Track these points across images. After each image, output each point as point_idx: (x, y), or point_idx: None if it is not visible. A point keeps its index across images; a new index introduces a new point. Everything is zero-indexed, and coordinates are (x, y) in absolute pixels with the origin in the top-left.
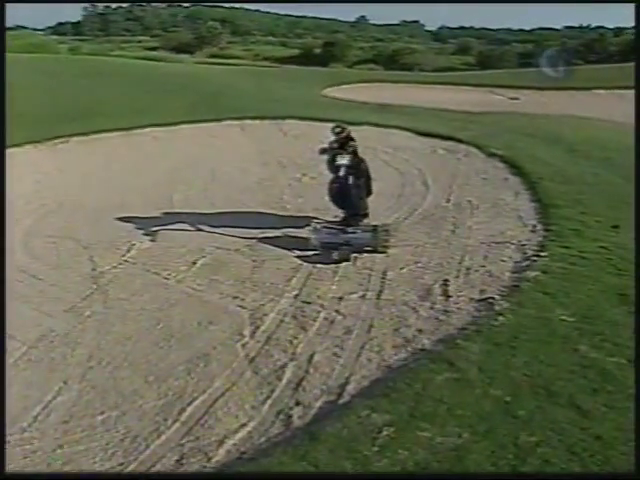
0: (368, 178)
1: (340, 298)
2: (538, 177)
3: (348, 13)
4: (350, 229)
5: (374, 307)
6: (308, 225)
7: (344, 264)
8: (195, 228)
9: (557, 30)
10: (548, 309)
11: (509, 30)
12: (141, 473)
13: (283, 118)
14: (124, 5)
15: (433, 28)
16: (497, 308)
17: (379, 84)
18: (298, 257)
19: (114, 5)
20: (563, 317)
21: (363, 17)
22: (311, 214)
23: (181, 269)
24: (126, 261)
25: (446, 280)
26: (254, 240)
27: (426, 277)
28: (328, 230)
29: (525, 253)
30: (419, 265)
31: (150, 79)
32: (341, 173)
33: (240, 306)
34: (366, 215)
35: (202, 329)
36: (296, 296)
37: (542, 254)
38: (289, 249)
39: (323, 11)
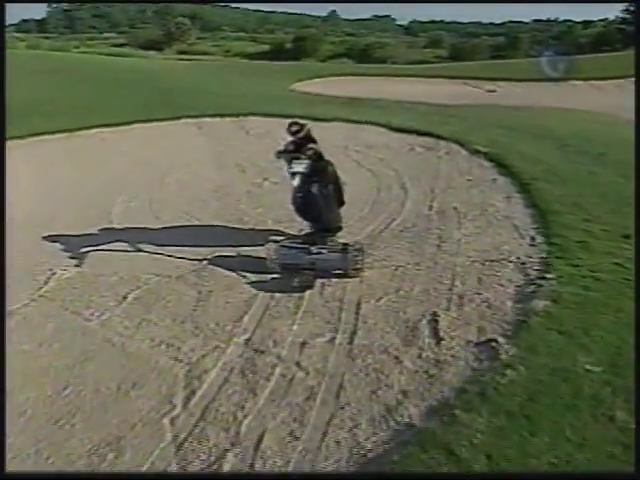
0: (337, 185)
1: (303, 344)
2: (530, 177)
3: (319, 8)
4: (315, 248)
5: (345, 357)
6: (269, 242)
7: (308, 293)
8: (133, 249)
9: (526, 23)
10: (567, 356)
11: (479, 23)
12: (141, 473)
13: (245, 115)
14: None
15: (404, 22)
16: (503, 357)
17: (351, 77)
18: (252, 284)
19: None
20: (587, 367)
21: (334, 12)
22: (272, 227)
23: (108, 306)
24: (42, 296)
25: (435, 314)
26: (202, 263)
27: (410, 310)
28: (289, 249)
29: (527, 274)
30: (400, 294)
31: (106, 75)
32: (295, 182)
33: (175, 358)
34: (339, 229)
35: (121, 396)
36: (247, 341)
37: (548, 275)
38: (243, 274)
39: (293, 6)
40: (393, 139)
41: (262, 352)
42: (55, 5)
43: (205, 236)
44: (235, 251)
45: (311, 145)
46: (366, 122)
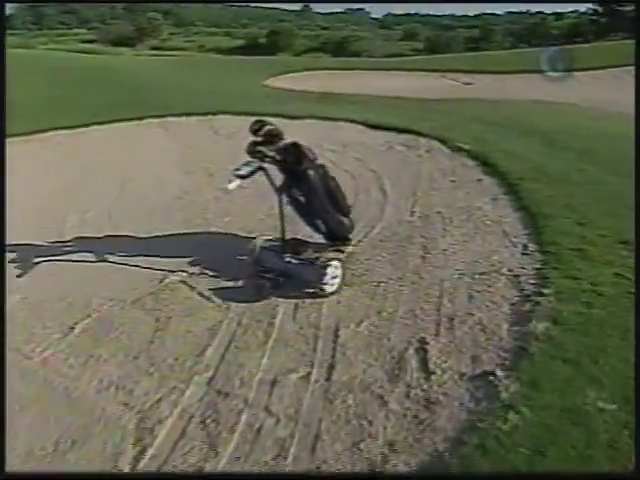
0: (331, 193)
1: (273, 382)
2: (517, 177)
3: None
4: (288, 256)
5: (322, 398)
6: (239, 254)
7: (279, 319)
8: (86, 267)
9: (499, 16)
10: (576, 391)
11: (453, 16)
12: (141, 473)
13: (214, 114)
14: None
15: (379, 15)
16: (503, 395)
17: (326, 72)
18: (217, 308)
19: None
20: (600, 405)
21: (307, 6)
22: (242, 238)
23: (52, 339)
24: None
25: (423, 341)
26: (162, 282)
27: (394, 337)
28: (268, 252)
29: (522, 289)
30: (383, 316)
31: (68, 74)
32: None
33: (125, 405)
34: (341, 240)
35: (57, 459)
36: (210, 381)
37: (545, 291)
38: (207, 295)
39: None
40: (371, 137)
41: (226, 394)
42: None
43: (167, 251)
44: (198, 268)
45: (260, 148)
46: (342, 119)
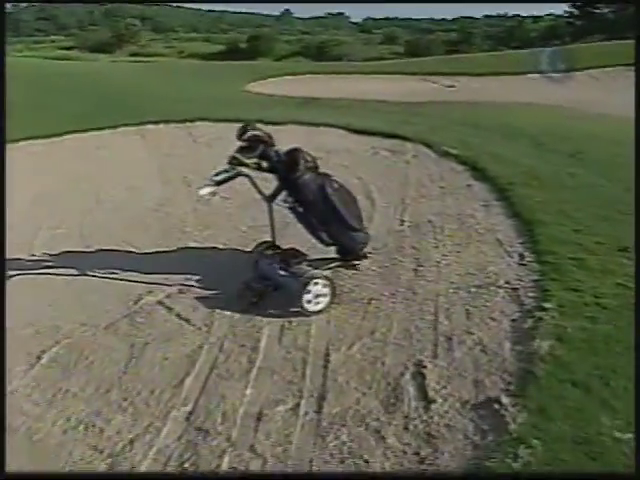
0: (329, 204)
1: (258, 416)
2: (507, 182)
3: (272, 7)
4: (279, 267)
5: (313, 433)
6: (220, 270)
7: (265, 342)
8: (57, 288)
9: (477, 19)
10: (589, 419)
11: (432, 20)
12: (141, 473)
13: (193, 121)
14: (35, 3)
15: (358, 20)
16: (511, 426)
17: (306, 76)
18: (197, 331)
19: (24, 4)
20: (616, 434)
21: (287, 10)
22: (222, 257)
23: (16, 372)
24: None
25: (420, 364)
26: (138, 303)
27: (389, 360)
28: (266, 260)
29: (522, 303)
30: (376, 337)
31: (43, 81)
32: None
33: (94, 448)
34: (355, 256)
35: None
36: (189, 416)
37: (546, 305)
38: (186, 317)
39: (246, 6)
40: (355, 142)
41: (207, 432)
42: None
43: (144, 268)
44: (177, 286)
45: (236, 155)
46: (324, 124)
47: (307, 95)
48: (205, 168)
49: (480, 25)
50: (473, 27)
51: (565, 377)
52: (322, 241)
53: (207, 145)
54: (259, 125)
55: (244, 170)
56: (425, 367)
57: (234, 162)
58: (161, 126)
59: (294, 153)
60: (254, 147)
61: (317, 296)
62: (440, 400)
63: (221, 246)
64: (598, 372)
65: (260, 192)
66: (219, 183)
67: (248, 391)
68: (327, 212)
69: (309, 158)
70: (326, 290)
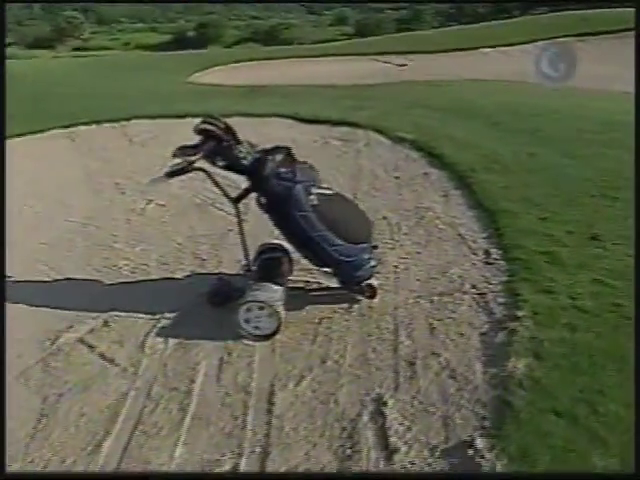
0: (299, 211)
1: None
2: (467, 167)
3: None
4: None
5: None
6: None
7: (201, 380)
8: None
9: None
10: (580, 460)
11: None
12: (141, 473)
13: (129, 119)
14: None
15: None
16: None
17: (255, 63)
18: (122, 373)
19: None
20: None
21: None
22: (155, 273)
23: None
24: None
25: (380, 400)
26: (55, 343)
27: (343, 397)
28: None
29: (491, 312)
30: (328, 366)
31: None
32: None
33: None
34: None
35: None
36: None
37: (519, 313)
38: (110, 357)
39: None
40: (303, 132)
41: None
42: None
43: (64, 298)
44: (103, 318)
45: (175, 151)
46: (271, 114)
47: (255, 83)
48: (140, 171)
49: (430, 0)
50: (422, 3)
51: (547, 405)
52: (310, 260)
53: (142, 145)
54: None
55: (194, 164)
56: (385, 404)
57: (177, 154)
58: (93, 127)
59: (267, 153)
60: (203, 143)
61: (258, 322)
62: (404, 448)
63: (154, 263)
64: (583, 396)
65: (223, 191)
66: (170, 175)
67: (178, 451)
68: (303, 224)
69: (285, 159)
70: (265, 315)
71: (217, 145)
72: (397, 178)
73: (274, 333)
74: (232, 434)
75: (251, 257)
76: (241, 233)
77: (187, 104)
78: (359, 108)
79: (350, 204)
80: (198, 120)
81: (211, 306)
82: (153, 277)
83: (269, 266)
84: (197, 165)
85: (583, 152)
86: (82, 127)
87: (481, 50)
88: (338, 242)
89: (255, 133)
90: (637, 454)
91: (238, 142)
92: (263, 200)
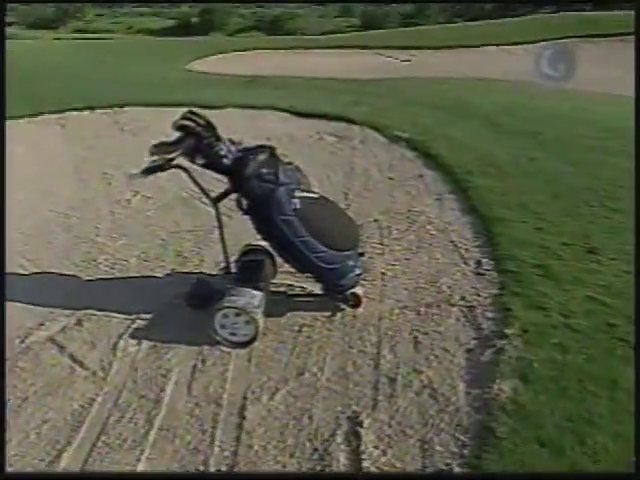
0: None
1: None
2: (463, 170)
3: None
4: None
5: None
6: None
7: (171, 388)
8: None
9: None
10: None
11: None
12: (141, 473)
13: (122, 106)
14: None
15: None
16: None
17: (257, 52)
18: (91, 377)
19: None
20: None
21: None
22: (135, 273)
23: None
24: None
25: (355, 419)
26: (24, 342)
27: (318, 413)
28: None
29: (479, 327)
30: (305, 379)
31: None
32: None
33: None
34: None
35: None
36: None
37: (507, 331)
38: (79, 359)
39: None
40: (298, 127)
41: None
42: None
43: (37, 294)
44: (76, 316)
45: (152, 149)
46: (268, 107)
47: (254, 73)
48: (129, 161)
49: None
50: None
51: (531, 434)
52: (291, 265)
53: (134, 134)
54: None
55: (173, 162)
56: (361, 424)
57: (154, 151)
58: (86, 113)
59: (246, 152)
60: (182, 140)
61: (234, 328)
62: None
63: (134, 259)
64: (571, 425)
65: (202, 190)
66: (147, 172)
67: (140, 466)
68: (279, 230)
69: (268, 159)
70: (242, 322)
71: (196, 143)
72: (391, 179)
73: (251, 341)
74: (198, 449)
75: (235, 258)
76: (221, 233)
77: (183, 92)
78: (358, 103)
79: (336, 209)
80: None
81: (190, 308)
82: (132, 274)
83: (250, 269)
84: (176, 163)
85: (584, 158)
86: (74, 113)
87: (485, 48)
88: (321, 249)
89: (249, 126)
90: (637, 454)
91: (218, 139)
92: (244, 202)
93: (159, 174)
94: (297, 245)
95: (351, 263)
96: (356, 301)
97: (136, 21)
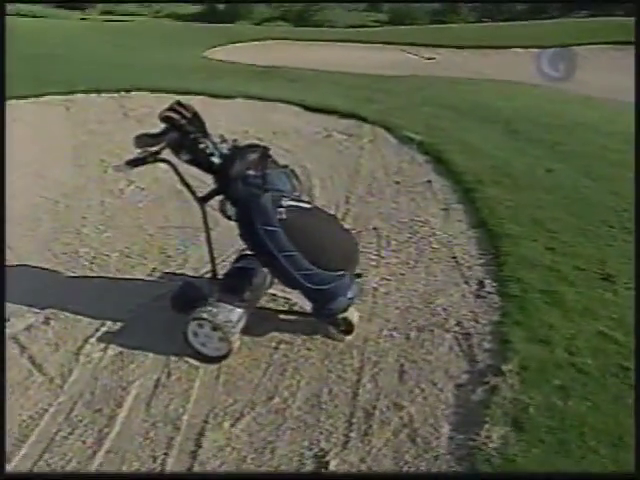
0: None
1: None
2: (475, 179)
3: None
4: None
5: None
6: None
7: (129, 406)
8: None
9: None
10: None
11: None
12: (141, 473)
13: (128, 90)
14: None
15: None
16: None
17: (277, 42)
18: (48, 383)
19: None
20: None
21: None
22: (114, 269)
23: None
24: None
25: (321, 459)
26: None
27: (282, 447)
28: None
29: (474, 359)
30: (274, 404)
31: None
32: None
33: None
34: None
35: None
36: None
37: (504, 367)
38: (39, 362)
39: None
40: (307, 122)
41: None
42: None
43: (11, 287)
44: (46, 313)
45: (137, 140)
46: (278, 99)
47: (271, 64)
48: (128, 149)
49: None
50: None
51: None
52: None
53: (138, 120)
54: (202, 98)
55: (159, 155)
56: (327, 465)
57: (137, 143)
58: (92, 96)
59: (237, 149)
60: (165, 132)
61: (207, 340)
62: None
63: (116, 255)
64: None
65: (189, 188)
66: (130, 164)
67: None
68: (261, 241)
69: (258, 160)
70: (216, 337)
71: (181, 137)
72: (397, 183)
73: (221, 358)
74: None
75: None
76: (207, 235)
77: (195, 80)
78: (371, 100)
79: (332, 223)
80: (198, 98)
81: (167, 312)
82: (111, 270)
83: (238, 277)
84: (162, 156)
85: (606, 173)
86: (80, 95)
87: (514, 50)
88: (307, 267)
89: (258, 119)
90: (637, 454)
91: (205, 135)
92: (227, 206)
93: (162, 165)
94: (280, 260)
95: (343, 285)
96: (348, 328)
97: (165, 6)
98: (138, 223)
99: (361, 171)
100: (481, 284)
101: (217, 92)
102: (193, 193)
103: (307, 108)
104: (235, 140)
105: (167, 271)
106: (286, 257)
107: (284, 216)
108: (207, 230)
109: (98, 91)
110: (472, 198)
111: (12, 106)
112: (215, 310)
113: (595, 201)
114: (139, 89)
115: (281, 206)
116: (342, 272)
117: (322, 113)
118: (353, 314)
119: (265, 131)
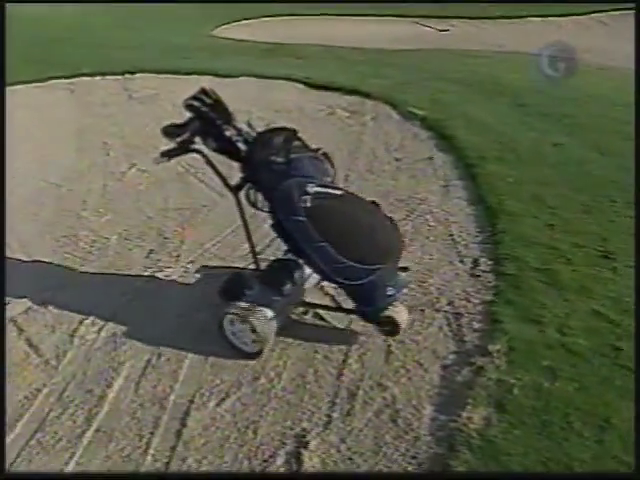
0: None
1: None
2: (477, 154)
3: None
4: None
5: None
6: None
7: (119, 387)
8: None
9: None
10: None
11: None
12: (141, 473)
13: (133, 72)
14: None
15: None
16: None
17: (286, 18)
18: (43, 366)
19: None
20: None
21: None
22: (113, 252)
23: None
24: None
25: (302, 438)
26: None
27: (265, 426)
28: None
29: (462, 339)
30: (259, 386)
31: None
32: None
33: None
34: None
35: None
36: None
37: (491, 347)
38: (36, 344)
39: None
40: (311, 99)
41: None
42: None
43: (14, 268)
44: (44, 297)
45: (167, 128)
46: (282, 77)
47: (279, 41)
48: (131, 132)
49: None
50: None
51: None
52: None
53: (142, 102)
54: (208, 77)
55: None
56: (307, 444)
57: (167, 133)
58: (97, 79)
59: (262, 135)
60: (190, 121)
61: (239, 335)
62: None
63: (115, 237)
64: (545, 471)
65: (221, 177)
66: (165, 155)
67: (70, 467)
68: (287, 232)
69: (284, 144)
70: (243, 329)
71: (204, 125)
72: (397, 160)
73: (254, 355)
74: (130, 458)
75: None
76: (245, 225)
77: (200, 59)
78: (376, 76)
79: (368, 211)
80: (204, 78)
81: (221, 300)
82: (110, 253)
83: (278, 269)
84: (196, 147)
85: (616, 147)
86: (85, 78)
87: (529, 19)
88: (338, 259)
89: (262, 97)
90: (637, 454)
91: (228, 121)
92: (251, 194)
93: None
94: (308, 253)
95: (381, 281)
96: (393, 328)
97: None
98: (138, 206)
99: (362, 147)
100: (476, 262)
101: (221, 71)
102: (226, 182)
103: (311, 85)
104: (267, 125)
105: (163, 253)
106: (314, 249)
107: (309, 204)
108: (244, 220)
109: (103, 74)
110: (473, 174)
111: (18, 91)
112: (250, 312)
113: (601, 177)
114: (143, 71)
115: (307, 193)
116: (379, 266)
117: (327, 90)
118: (399, 313)
119: (267, 110)
